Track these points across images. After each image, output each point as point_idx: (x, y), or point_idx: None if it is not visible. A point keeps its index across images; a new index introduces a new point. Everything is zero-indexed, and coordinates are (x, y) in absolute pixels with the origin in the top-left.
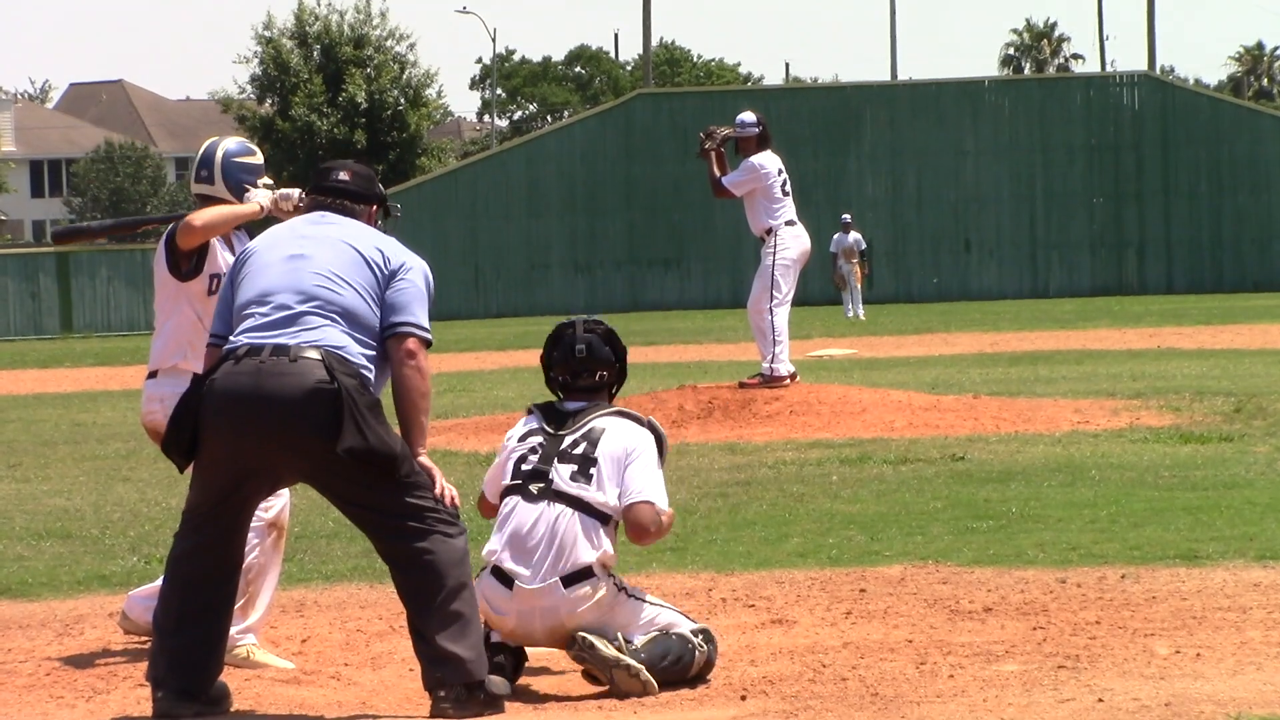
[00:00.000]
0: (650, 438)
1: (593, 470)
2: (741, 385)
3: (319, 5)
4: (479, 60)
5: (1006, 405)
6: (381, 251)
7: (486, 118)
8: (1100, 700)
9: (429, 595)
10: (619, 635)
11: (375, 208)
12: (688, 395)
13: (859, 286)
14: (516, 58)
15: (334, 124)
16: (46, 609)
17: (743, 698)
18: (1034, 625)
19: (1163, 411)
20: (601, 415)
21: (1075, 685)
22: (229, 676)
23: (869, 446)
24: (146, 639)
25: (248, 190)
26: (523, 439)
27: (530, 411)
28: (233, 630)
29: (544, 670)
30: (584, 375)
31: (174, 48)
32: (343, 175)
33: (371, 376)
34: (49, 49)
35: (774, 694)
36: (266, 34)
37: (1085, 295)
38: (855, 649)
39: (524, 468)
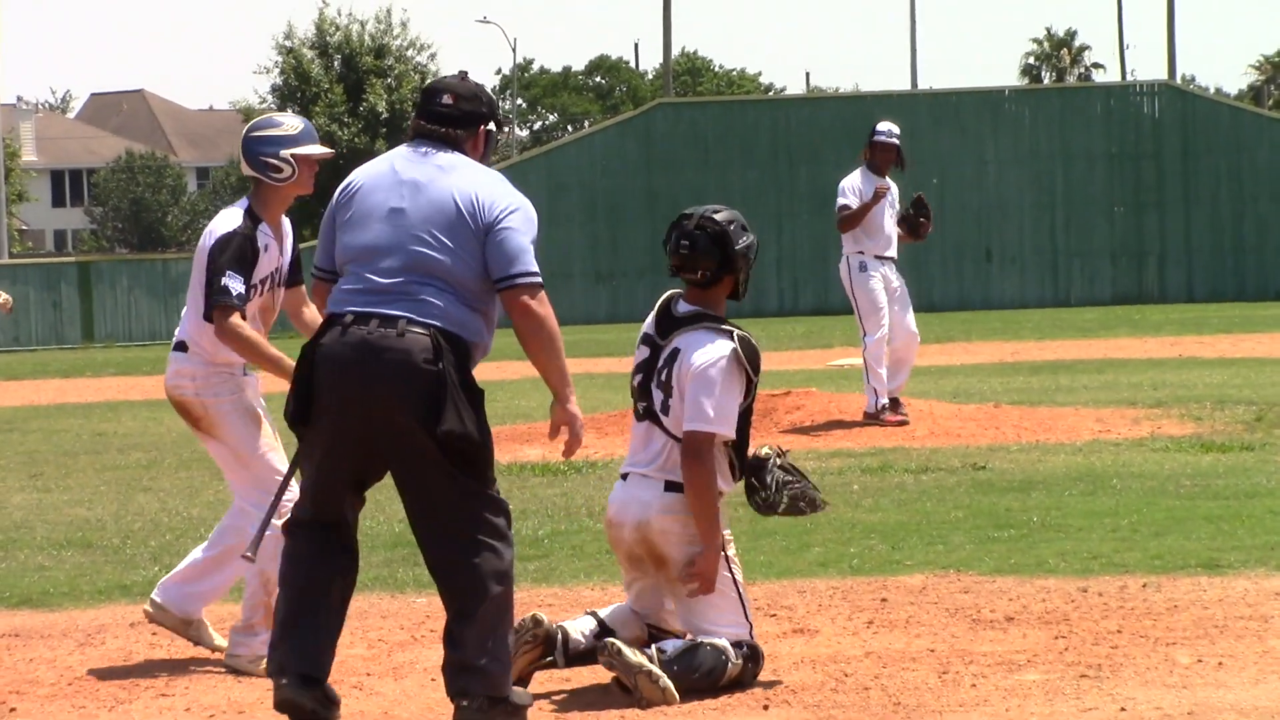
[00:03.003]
0: (725, 355)
1: (671, 402)
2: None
3: (339, 15)
4: (499, 70)
5: (1027, 414)
6: (477, 199)
7: (507, 128)
8: (1123, 709)
9: (469, 605)
10: (653, 646)
11: (482, 128)
12: None
13: None
14: (536, 67)
15: (355, 134)
16: (68, 619)
17: (765, 707)
18: (1056, 634)
19: (1184, 420)
20: (686, 332)
21: (1098, 694)
22: (250, 687)
23: (890, 455)
24: (181, 642)
25: (270, 161)
26: (641, 343)
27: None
28: (256, 641)
29: (565, 681)
30: (686, 269)
31: (195, 58)
32: (445, 100)
33: (481, 339)
34: (70, 59)
35: (796, 704)
36: (287, 44)
37: (1106, 304)
38: (877, 658)
39: (634, 383)
